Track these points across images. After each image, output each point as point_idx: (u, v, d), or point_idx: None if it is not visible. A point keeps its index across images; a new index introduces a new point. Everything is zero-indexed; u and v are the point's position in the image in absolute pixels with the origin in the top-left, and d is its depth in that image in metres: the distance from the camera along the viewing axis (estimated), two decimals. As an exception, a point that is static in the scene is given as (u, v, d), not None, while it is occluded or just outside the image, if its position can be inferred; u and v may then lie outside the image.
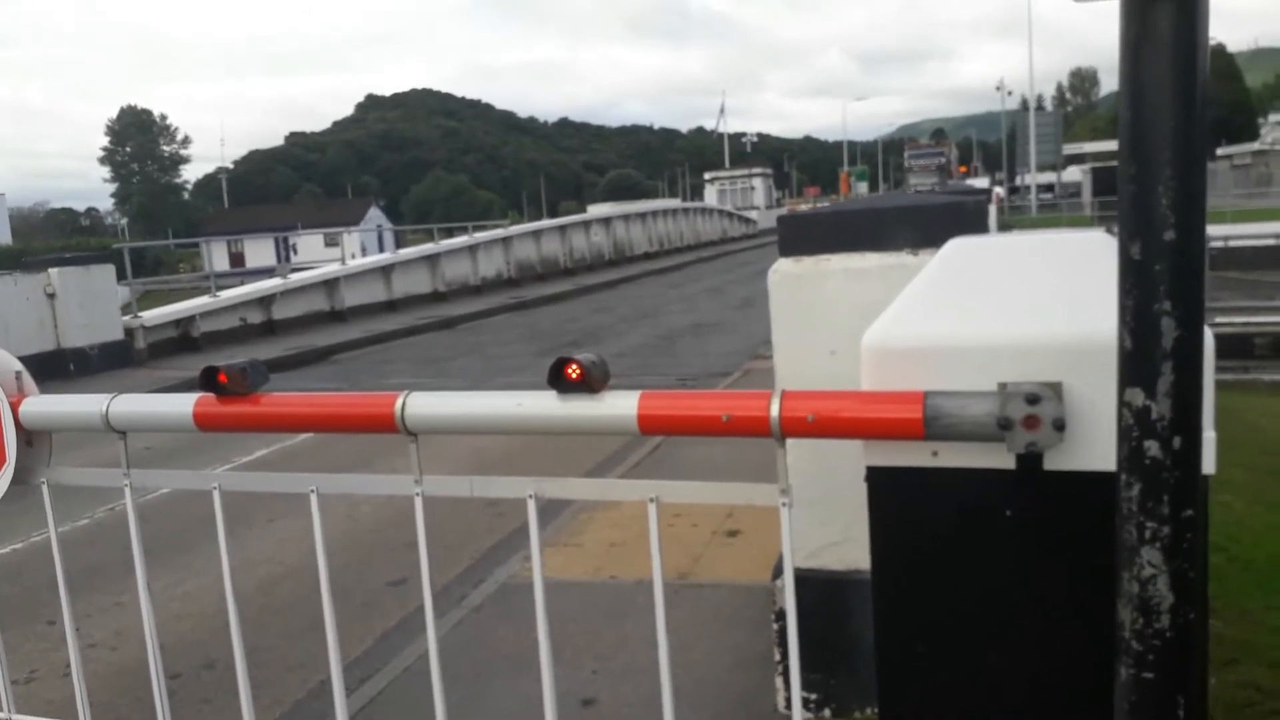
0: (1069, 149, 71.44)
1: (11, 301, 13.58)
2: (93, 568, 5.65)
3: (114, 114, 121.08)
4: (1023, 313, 1.56)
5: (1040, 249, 1.68)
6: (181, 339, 16.35)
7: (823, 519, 2.79)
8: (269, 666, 4.40)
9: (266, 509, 6.67)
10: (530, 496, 1.92)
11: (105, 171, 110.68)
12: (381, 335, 17.71)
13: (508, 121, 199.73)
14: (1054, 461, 1.51)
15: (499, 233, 27.31)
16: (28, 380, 2.31)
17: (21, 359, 2.40)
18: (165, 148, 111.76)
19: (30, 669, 4.56)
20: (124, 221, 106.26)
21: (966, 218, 2.61)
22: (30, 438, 2.31)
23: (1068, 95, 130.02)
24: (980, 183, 55.84)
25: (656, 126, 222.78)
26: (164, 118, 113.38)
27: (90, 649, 4.66)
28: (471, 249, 25.20)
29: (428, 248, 24.05)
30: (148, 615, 2.35)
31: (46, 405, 2.26)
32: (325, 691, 4.05)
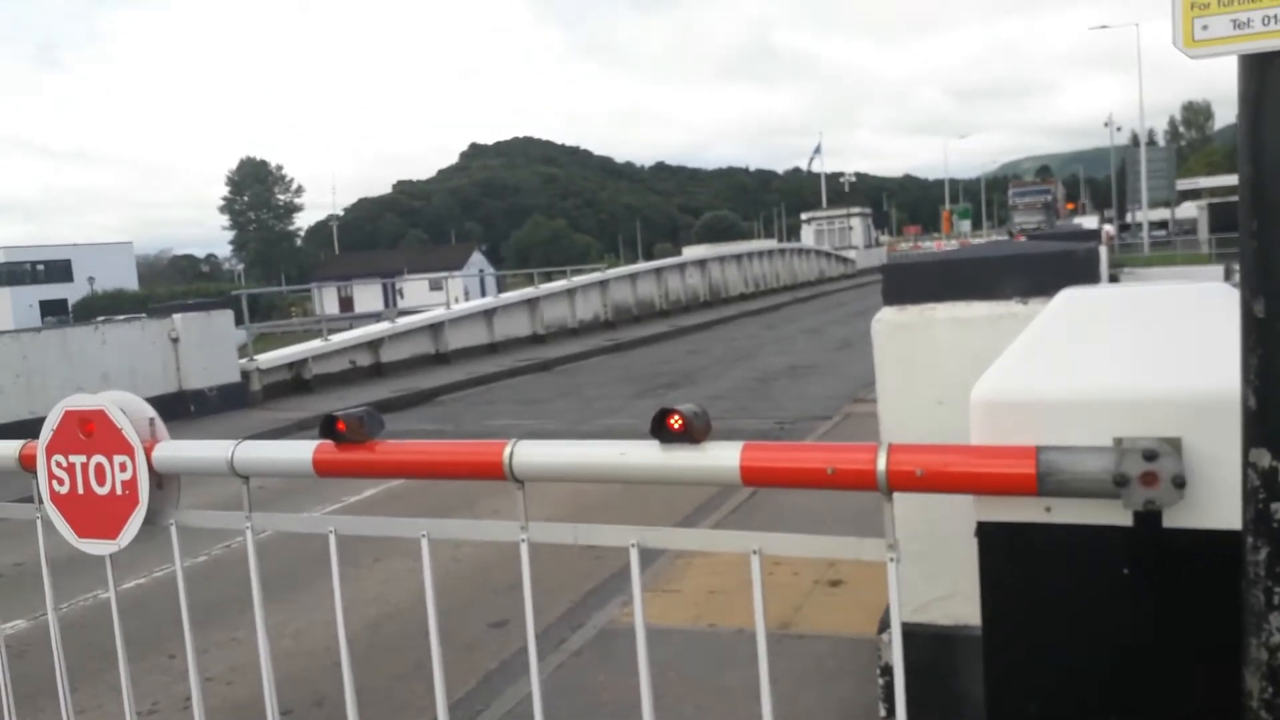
0: (1183, 184, 68.73)
1: (139, 346, 14.35)
2: (209, 604, 5.86)
3: (233, 165, 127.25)
4: (1138, 366, 1.52)
5: (1156, 300, 1.65)
6: (294, 381, 16.96)
7: (930, 573, 2.74)
8: (375, 705, 4.48)
9: (373, 549, 6.83)
10: (633, 546, 1.94)
11: (224, 219, 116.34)
12: (483, 377, 18.08)
13: (605, 166, 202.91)
14: (1174, 519, 1.46)
15: (596, 276, 27.69)
16: (160, 426, 2.45)
17: (147, 400, 2.54)
18: (280, 196, 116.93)
19: (153, 701, 4.75)
20: (240, 267, 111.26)
21: (1078, 266, 2.56)
22: (161, 480, 2.43)
23: (1180, 129, 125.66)
24: (1089, 221, 54.12)
25: (752, 168, 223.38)
26: (279, 167, 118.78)
27: (207, 683, 4.82)
28: (569, 292, 25.61)
29: (528, 291, 24.53)
30: (265, 653, 2.44)
31: (177, 450, 2.39)
32: (429, 732, 4.11)
